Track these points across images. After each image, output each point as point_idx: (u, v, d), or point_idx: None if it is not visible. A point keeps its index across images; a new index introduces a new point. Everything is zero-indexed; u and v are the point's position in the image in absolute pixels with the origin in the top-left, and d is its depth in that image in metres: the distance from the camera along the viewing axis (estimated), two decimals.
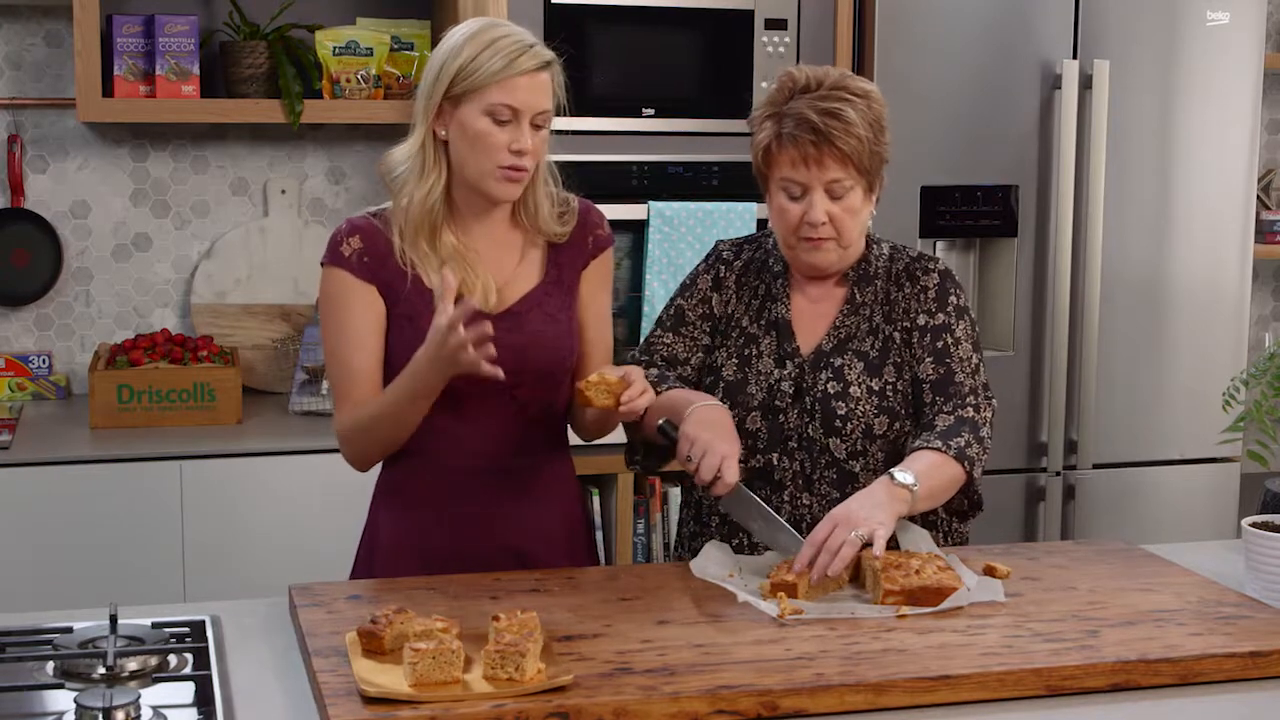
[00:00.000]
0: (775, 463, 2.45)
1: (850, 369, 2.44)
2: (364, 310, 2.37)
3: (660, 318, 2.59)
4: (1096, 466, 3.89)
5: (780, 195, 2.41)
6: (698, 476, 2.29)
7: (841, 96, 2.37)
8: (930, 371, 2.45)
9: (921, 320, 2.46)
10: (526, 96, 2.30)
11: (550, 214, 2.43)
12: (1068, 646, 2.01)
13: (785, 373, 2.46)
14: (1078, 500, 3.89)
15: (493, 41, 2.30)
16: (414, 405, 2.30)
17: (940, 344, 2.45)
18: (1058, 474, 3.87)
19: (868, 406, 2.43)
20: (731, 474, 2.27)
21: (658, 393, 2.43)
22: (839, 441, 2.43)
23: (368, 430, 2.36)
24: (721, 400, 2.46)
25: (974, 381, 2.46)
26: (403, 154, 2.38)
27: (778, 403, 2.45)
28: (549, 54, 2.34)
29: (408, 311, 2.36)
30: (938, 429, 2.39)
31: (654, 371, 2.50)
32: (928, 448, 2.35)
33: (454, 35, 2.35)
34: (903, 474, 2.28)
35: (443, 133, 2.35)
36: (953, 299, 2.49)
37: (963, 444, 2.36)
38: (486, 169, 2.33)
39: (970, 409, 2.42)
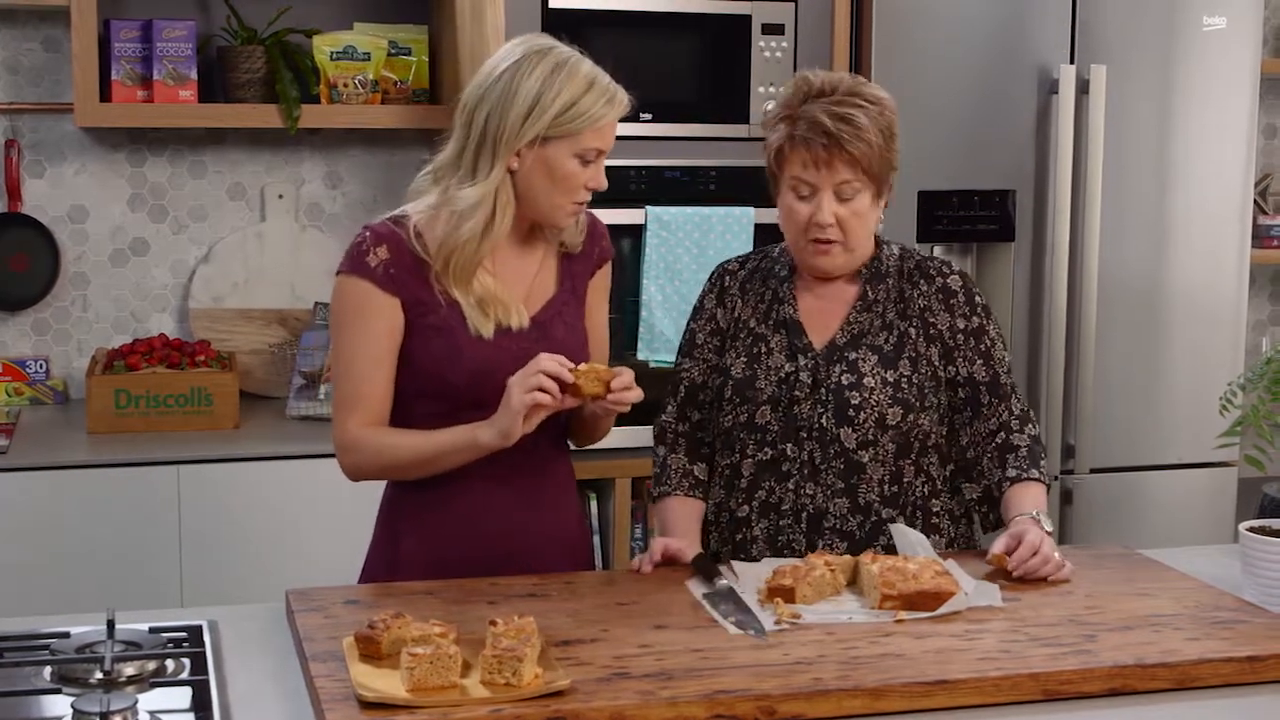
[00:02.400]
0: (787, 454, 2.48)
1: (864, 361, 2.48)
2: (384, 323, 2.34)
3: (680, 344, 2.66)
4: (1094, 471, 3.89)
5: (790, 195, 2.46)
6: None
7: (855, 103, 2.42)
8: (983, 373, 2.52)
9: (960, 324, 2.53)
10: (611, 138, 2.35)
11: (573, 225, 2.45)
12: (1065, 651, 2.01)
13: (799, 365, 2.48)
14: (1075, 505, 3.89)
15: (590, 85, 2.29)
16: (459, 458, 2.33)
17: (983, 345, 2.54)
18: (1055, 479, 3.86)
19: (881, 396, 2.45)
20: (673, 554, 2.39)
21: (654, 496, 2.58)
22: (850, 431, 2.45)
23: (401, 468, 2.37)
24: (731, 397, 2.52)
25: (1011, 380, 2.56)
26: (474, 197, 2.30)
27: (795, 393, 2.47)
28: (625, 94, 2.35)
29: (438, 323, 2.34)
30: (1021, 452, 2.47)
31: (659, 453, 2.60)
32: (1031, 479, 2.45)
33: (533, 70, 2.29)
34: (1045, 518, 2.39)
35: (515, 165, 2.32)
36: (978, 299, 2.57)
37: (1044, 466, 2.49)
38: (560, 204, 2.35)
39: (1017, 407, 2.52)
